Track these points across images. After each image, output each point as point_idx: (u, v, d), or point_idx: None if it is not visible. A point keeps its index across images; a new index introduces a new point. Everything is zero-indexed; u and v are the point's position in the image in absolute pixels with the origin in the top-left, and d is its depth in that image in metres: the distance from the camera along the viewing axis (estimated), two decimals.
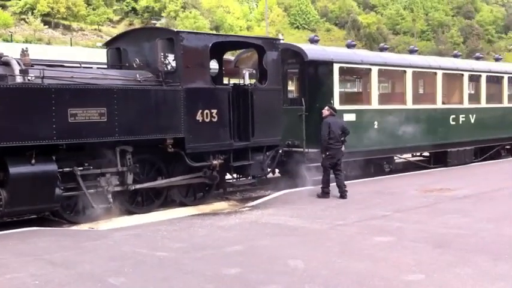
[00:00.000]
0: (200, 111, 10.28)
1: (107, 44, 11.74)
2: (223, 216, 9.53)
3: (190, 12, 67.75)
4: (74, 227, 9.13)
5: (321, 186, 10.99)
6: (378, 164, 14.15)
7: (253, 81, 12.12)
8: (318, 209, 9.68)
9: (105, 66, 11.46)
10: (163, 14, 72.93)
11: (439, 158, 15.65)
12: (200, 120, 10.29)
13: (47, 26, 59.44)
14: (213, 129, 10.52)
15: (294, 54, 12.23)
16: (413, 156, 16.40)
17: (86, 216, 9.48)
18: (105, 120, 9.11)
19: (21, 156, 8.40)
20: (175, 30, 10.24)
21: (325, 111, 11.16)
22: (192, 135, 10.18)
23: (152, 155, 10.25)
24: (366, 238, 7.28)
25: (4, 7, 58.69)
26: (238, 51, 13.87)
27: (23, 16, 58.97)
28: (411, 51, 16.01)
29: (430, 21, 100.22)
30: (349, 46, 14.25)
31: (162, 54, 10.14)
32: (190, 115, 10.13)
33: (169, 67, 10.28)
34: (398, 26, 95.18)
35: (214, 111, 10.49)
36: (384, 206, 9.71)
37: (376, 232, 7.58)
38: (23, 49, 9.30)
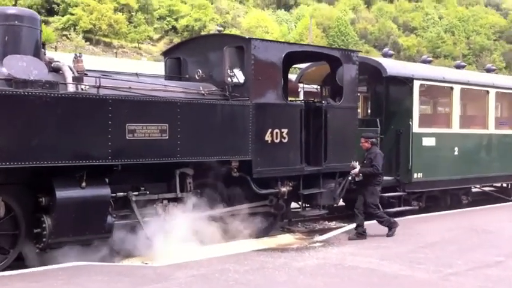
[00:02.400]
0: (270, 130, 9.01)
1: (165, 54, 10.61)
2: (294, 254, 8.18)
3: (231, 31, 67.18)
4: (126, 262, 7.87)
5: (357, 226, 9.42)
6: (454, 195, 12.63)
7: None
8: (406, 249, 8.26)
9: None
10: (202, 33, 72.62)
11: None
12: (269, 141, 9.02)
13: (88, 43, 59.51)
14: (283, 151, 9.22)
15: (370, 69, 10.87)
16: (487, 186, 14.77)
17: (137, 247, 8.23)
18: (167, 138, 7.89)
19: (69, 177, 7.23)
20: (247, 37, 9.02)
21: (366, 143, 9.33)
22: (260, 157, 8.91)
23: (213, 179, 8.96)
24: None
25: (47, 23, 59.03)
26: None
27: (65, 32, 59.15)
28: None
29: (472, 45, 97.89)
30: (425, 62, 12.87)
31: (230, 64, 8.92)
32: (258, 134, 8.87)
33: (236, 79, 9.05)
34: (439, 49, 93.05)
35: (285, 130, 9.20)
36: (486, 248, 8.24)
37: (504, 286, 6.11)
38: (76, 55, 8.18)
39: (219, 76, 9.15)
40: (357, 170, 9.31)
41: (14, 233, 7.22)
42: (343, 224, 11.57)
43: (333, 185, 10.03)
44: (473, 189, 13.23)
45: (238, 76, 9.20)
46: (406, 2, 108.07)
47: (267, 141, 8.98)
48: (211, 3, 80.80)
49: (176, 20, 75.79)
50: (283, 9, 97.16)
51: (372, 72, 11.03)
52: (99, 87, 7.59)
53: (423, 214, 11.45)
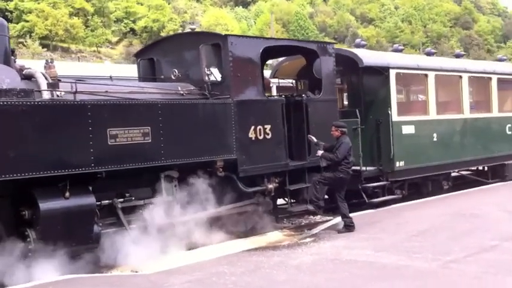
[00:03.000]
0: (253, 127, 8.83)
1: (137, 55, 10.30)
2: (287, 251, 8.02)
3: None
4: (116, 272, 7.57)
5: (344, 217, 9.24)
6: (435, 181, 12.68)
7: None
8: (399, 239, 8.19)
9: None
10: (162, 34, 71.84)
11: (496, 172, 14.20)
12: (253, 138, 8.84)
13: (45, 49, 58.17)
14: (267, 147, 9.05)
15: (345, 60, 10.78)
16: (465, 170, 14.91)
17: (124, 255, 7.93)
18: (150, 141, 7.62)
19: (52, 188, 6.89)
20: (223, 34, 8.80)
21: (336, 132, 9.15)
22: (245, 155, 8.72)
23: (198, 180, 8.72)
24: (500, 281, 5.78)
25: None
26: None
27: (21, 39, 57.66)
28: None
29: (429, 33, 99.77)
30: (396, 50, 12.88)
31: (207, 62, 8.68)
32: (242, 132, 8.69)
33: (213, 77, 8.82)
34: (398, 38, 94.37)
35: (268, 126, 9.04)
36: (478, 232, 8.23)
37: (505, 271, 6.08)
38: (47, 61, 7.86)
39: (196, 75, 8.91)
40: (319, 153, 9.20)
41: None
42: (328, 218, 11.47)
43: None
44: (453, 174, 13.32)
45: (215, 74, 8.99)
46: None
47: (251, 138, 8.80)
48: (168, 4, 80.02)
49: (134, 21, 74.86)
50: (241, 6, 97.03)
51: (346, 64, 10.93)
52: (75, 92, 7.27)
53: (408, 202, 11.44)
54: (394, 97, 11.16)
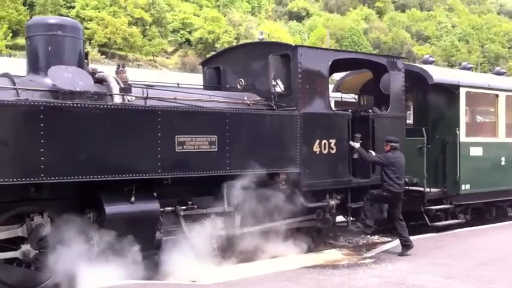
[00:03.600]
0: (318, 141, 8.65)
1: (204, 64, 10.30)
2: (347, 271, 7.76)
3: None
4: (173, 280, 7.48)
5: (400, 237, 8.98)
6: (499, 207, 12.14)
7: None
8: (467, 267, 7.81)
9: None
10: (216, 45, 72.65)
11: None
12: (317, 152, 8.65)
13: (104, 56, 59.60)
14: (331, 163, 8.85)
15: (412, 76, 10.46)
16: None
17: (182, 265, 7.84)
18: (216, 150, 7.55)
19: (118, 192, 6.89)
20: (293, 45, 8.68)
21: (386, 147, 8.98)
22: (308, 169, 8.53)
23: (260, 193, 8.57)
24: None
25: None
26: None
27: None
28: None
29: (486, 53, 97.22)
30: (465, 69, 12.47)
31: (275, 73, 8.57)
32: (306, 145, 8.51)
33: (279, 88, 8.69)
34: (454, 57, 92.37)
35: (333, 141, 8.84)
36: None
37: None
38: (118, 65, 7.91)
39: (263, 85, 8.81)
40: (357, 145, 8.97)
41: None
42: (386, 239, 11.14)
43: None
44: None
45: (280, 85, 8.87)
46: (418, 11, 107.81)
47: (315, 152, 8.62)
48: (224, 16, 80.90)
49: (190, 32, 75.89)
50: (295, 21, 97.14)
51: (414, 80, 10.62)
52: (146, 98, 7.27)
53: (472, 227, 10.99)
54: (463, 117, 10.77)
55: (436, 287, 6.70)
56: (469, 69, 12.54)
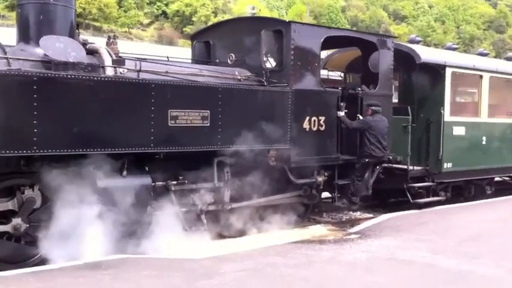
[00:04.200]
0: (308, 118, 8.68)
1: (193, 37, 10.18)
2: (335, 247, 7.86)
3: (223, 17, 66.46)
4: (165, 255, 7.49)
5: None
6: (478, 185, 12.41)
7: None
8: (451, 243, 7.96)
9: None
10: (194, 18, 71.77)
11: None
12: (307, 129, 8.69)
13: (77, 27, 58.39)
14: (320, 140, 8.90)
15: (400, 55, 10.51)
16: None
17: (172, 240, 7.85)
18: (208, 125, 7.52)
19: (110, 166, 6.83)
20: (287, 21, 8.63)
21: (367, 111, 9.44)
22: (298, 146, 8.58)
23: (249, 168, 8.60)
24: None
25: None
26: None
27: None
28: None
29: (462, 34, 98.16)
30: (450, 49, 12.58)
31: (267, 48, 8.53)
32: (297, 122, 8.54)
33: (269, 64, 8.66)
34: (429, 38, 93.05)
35: (322, 118, 8.88)
36: None
37: None
38: (109, 37, 7.79)
39: (254, 61, 8.77)
40: (341, 113, 9.18)
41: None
42: (368, 215, 11.32)
43: (366, 174, 9.73)
44: (495, 179, 13.02)
45: (271, 61, 8.84)
46: None
47: (305, 129, 8.66)
48: None
49: (166, 5, 74.76)
50: None
51: (401, 59, 10.67)
52: (139, 71, 7.18)
53: (453, 205, 11.23)
54: (448, 96, 10.91)
55: (425, 262, 6.84)
56: (454, 49, 12.66)
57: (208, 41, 9.68)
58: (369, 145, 9.16)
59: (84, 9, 59.20)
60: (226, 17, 69.14)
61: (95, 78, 6.49)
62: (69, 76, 6.31)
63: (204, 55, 9.70)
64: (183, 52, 16.62)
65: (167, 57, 8.68)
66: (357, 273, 6.40)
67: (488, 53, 13.82)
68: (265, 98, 8.22)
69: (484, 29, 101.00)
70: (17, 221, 6.43)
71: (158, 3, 73.82)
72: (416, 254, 7.27)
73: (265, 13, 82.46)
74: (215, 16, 70.66)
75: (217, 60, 9.38)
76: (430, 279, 6.10)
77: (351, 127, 9.24)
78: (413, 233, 8.73)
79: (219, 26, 10.10)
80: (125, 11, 65.79)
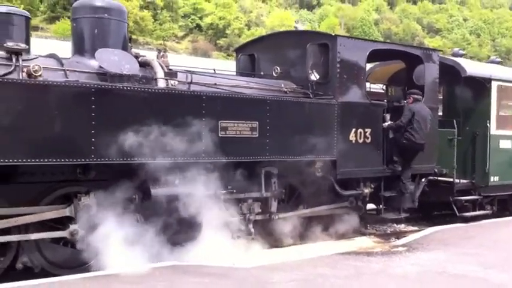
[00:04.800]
0: (354, 130, 8.70)
1: (238, 50, 10.34)
2: (383, 259, 7.82)
3: (256, 30, 67.11)
4: (215, 263, 7.57)
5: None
6: None
7: None
8: (501, 257, 7.87)
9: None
10: (227, 31, 72.55)
11: None
12: (353, 141, 8.71)
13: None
14: (366, 152, 8.91)
15: (444, 68, 10.46)
16: None
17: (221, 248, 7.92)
18: (257, 136, 7.62)
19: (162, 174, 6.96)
20: (333, 34, 8.71)
21: (409, 99, 9.49)
22: (344, 158, 8.60)
23: (296, 179, 8.65)
24: None
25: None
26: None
27: None
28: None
29: (498, 47, 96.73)
30: (493, 62, 12.46)
31: (313, 61, 8.60)
32: (343, 134, 8.57)
33: (316, 77, 8.73)
34: (465, 50, 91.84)
35: (368, 130, 8.89)
36: None
37: None
38: (159, 50, 7.98)
39: (299, 73, 8.86)
40: (385, 125, 9.20)
41: None
42: (412, 228, 11.23)
43: (412, 187, 9.68)
44: None
45: (315, 74, 8.90)
46: (429, 3, 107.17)
47: (351, 141, 8.68)
48: (235, 2, 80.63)
49: (201, 18, 75.80)
50: (305, 9, 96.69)
51: (445, 72, 10.61)
52: (190, 83, 7.33)
53: (500, 219, 11.09)
54: (494, 109, 10.81)
55: (477, 276, 6.76)
56: (498, 63, 12.53)
57: (252, 54, 9.81)
58: (410, 130, 9.17)
59: None
60: (260, 29, 69.78)
61: (151, 90, 6.66)
62: (125, 88, 6.48)
63: (249, 67, 9.82)
64: (218, 64, 16.81)
65: (214, 70, 8.82)
66: (409, 285, 6.36)
67: (501, 61, 13.61)
68: (312, 110, 8.28)
69: None
70: (74, 227, 6.60)
71: (193, 17, 74.93)
72: (467, 268, 7.18)
73: (298, 26, 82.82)
74: (248, 29, 71.37)
75: (261, 73, 9.48)
76: None
77: (401, 124, 9.21)
78: (461, 247, 8.63)
79: (264, 40, 10.22)
80: (160, 24, 66.93)
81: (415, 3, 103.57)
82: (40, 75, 6.21)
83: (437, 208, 11.88)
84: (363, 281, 6.55)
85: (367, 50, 8.83)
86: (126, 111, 6.48)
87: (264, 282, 6.33)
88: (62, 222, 6.71)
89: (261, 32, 68.27)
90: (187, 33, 73.92)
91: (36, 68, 6.17)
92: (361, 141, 8.79)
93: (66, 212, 6.62)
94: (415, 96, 9.42)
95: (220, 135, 7.24)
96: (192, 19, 74.33)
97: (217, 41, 72.49)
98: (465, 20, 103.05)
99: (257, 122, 7.60)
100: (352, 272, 7.04)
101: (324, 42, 8.61)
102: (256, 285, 6.21)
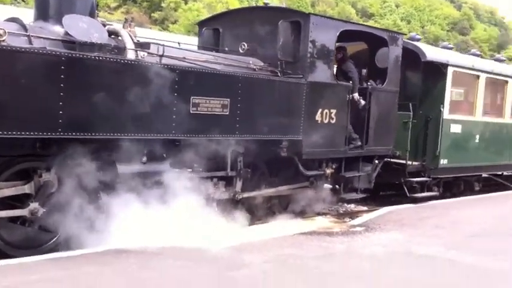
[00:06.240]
0: (320, 110, 8.65)
1: (202, 24, 10.00)
2: (346, 239, 7.88)
3: (193, 5, 65.84)
4: (185, 244, 7.28)
5: None
6: (467, 182, 12.70)
7: None
8: (460, 238, 8.13)
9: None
10: (163, 4, 70.73)
11: None
12: (319, 121, 8.67)
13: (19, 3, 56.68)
14: (330, 132, 8.89)
15: (404, 52, 10.54)
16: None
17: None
18: (227, 114, 7.41)
19: (129, 152, 6.63)
20: (307, 12, 8.57)
21: (338, 54, 9.54)
22: (310, 138, 8.54)
23: (259, 158, 8.53)
24: None
25: None
26: None
27: None
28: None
29: (426, 34, 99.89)
30: (446, 48, 12.77)
31: (284, 39, 8.43)
32: (310, 114, 8.51)
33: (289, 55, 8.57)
34: None
35: (334, 111, 8.87)
36: None
37: None
38: (126, 19, 7.57)
39: (267, 51, 8.67)
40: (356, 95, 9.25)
41: None
42: (363, 207, 11.39)
43: (369, 168, 9.81)
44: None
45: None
46: None
47: (317, 121, 8.63)
48: None
49: None
50: None
51: (405, 56, 10.70)
52: (162, 55, 6.99)
53: (448, 200, 11.49)
54: (448, 95, 11.09)
55: (446, 257, 6.88)
56: (450, 49, 12.82)
57: (217, 29, 9.52)
58: None
59: None
60: (197, 4, 68.56)
61: (127, 62, 6.31)
62: (101, 58, 6.09)
63: (212, 42, 9.52)
64: (158, 36, 16.31)
65: (178, 43, 8.47)
66: (383, 266, 6.41)
67: (481, 54, 14.10)
68: (282, 88, 8.16)
69: (447, 30, 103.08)
70: (34, 205, 6.17)
71: None
72: (432, 249, 7.33)
73: (235, 4, 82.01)
74: (186, 3, 69.86)
75: (226, 49, 9.21)
76: (459, 275, 6.18)
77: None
78: (418, 228, 8.84)
79: (230, 14, 9.97)
80: None
81: None
82: (4, 41, 5.71)
83: (384, 189, 12.14)
84: (336, 263, 6.57)
85: (338, 30, 8.76)
86: (97, 83, 6.09)
87: (240, 264, 6.19)
88: (20, 200, 6.27)
89: (198, 6, 67.21)
90: (120, 4, 71.46)
91: (1, 32, 5.66)
92: (326, 121, 8.76)
93: (25, 188, 6.17)
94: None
95: (191, 111, 6.98)
96: None
97: (152, 14, 70.60)
98: (397, 6, 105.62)
99: (228, 100, 7.39)
100: (321, 252, 7.04)
101: (296, 19, 8.44)
102: (232, 266, 6.06)
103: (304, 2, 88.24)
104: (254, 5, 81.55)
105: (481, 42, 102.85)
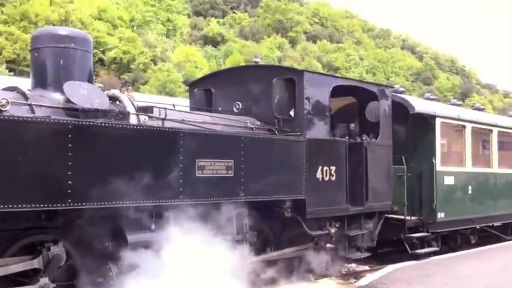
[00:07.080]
0: (320, 167, 8.54)
1: (192, 85, 9.92)
2: None
3: (163, 65, 66.40)
4: None
5: None
6: (463, 235, 12.61)
7: None
8: None
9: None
10: (132, 66, 71.09)
11: None
12: (320, 179, 8.54)
13: (12, 73, 56.29)
14: (331, 190, 8.77)
15: (392, 105, 10.60)
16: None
17: None
18: (232, 175, 7.23)
19: (138, 219, 6.37)
20: (300, 69, 8.58)
21: None
22: (312, 196, 8.39)
23: (263, 220, 8.30)
24: None
25: None
26: None
27: None
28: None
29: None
30: (428, 99, 12.95)
31: (279, 97, 8.40)
32: (311, 172, 8.39)
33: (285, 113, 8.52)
34: None
35: (333, 168, 8.77)
36: None
37: None
38: (123, 83, 7.45)
39: (262, 109, 8.60)
40: None
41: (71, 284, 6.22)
42: (364, 267, 11.13)
43: (371, 225, 9.65)
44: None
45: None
46: (328, 43, 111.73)
47: (318, 179, 8.50)
48: (140, 36, 79.44)
49: (103, 52, 73.76)
50: (210, 45, 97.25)
51: (393, 109, 10.77)
52: (164, 119, 6.85)
53: (448, 254, 11.33)
54: (438, 146, 11.13)
55: None
56: (432, 99, 13.00)
57: (209, 89, 9.43)
58: None
59: (18, 55, 57.34)
60: (167, 65, 69.12)
61: (134, 127, 6.15)
62: (107, 125, 5.91)
63: (205, 103, 9.41)
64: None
65: (173, 105, 8.34)
66: None
67: (460, 104, 14.35)
68: (283, 147, 8.06)
69: (412, 81, 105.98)
70: (44, 280, 5.80)
71: (95, 51, 72.70)
72: None
73: (203, 62, 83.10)
74: (155, 64, 70.40)
75: (219, 108, 9.10)
76: None
77: None
78: (426, 285, 8.63)
79: (221, 74, 9.93)
80: None
81: (314, 42, 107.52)
82: (6, 111, 5.48)
83: (382, 246, 11.93)
84: None
85: (330, 86, 8.78)
86: (107, 150, 5.89)
87: None
88: (27, 275, 5.89)
89: (168, 67, 67.73)
90: None
91: (4, 102, 5.44)
92: (326, 178, 8.64)
93: (34, 263, 5.81)
94: None
95: (197, 174, 6.78)
96: (94, 53, 71.90)
97: (121, 76, 70.74)
98: (361, 59, 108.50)
99: (232, 161, 7.23)
100: None
101: (290, 77, 8.44)
102: None
103: (271, 59, 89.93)
104: (226, 65, 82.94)
105: (445, 91, 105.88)
